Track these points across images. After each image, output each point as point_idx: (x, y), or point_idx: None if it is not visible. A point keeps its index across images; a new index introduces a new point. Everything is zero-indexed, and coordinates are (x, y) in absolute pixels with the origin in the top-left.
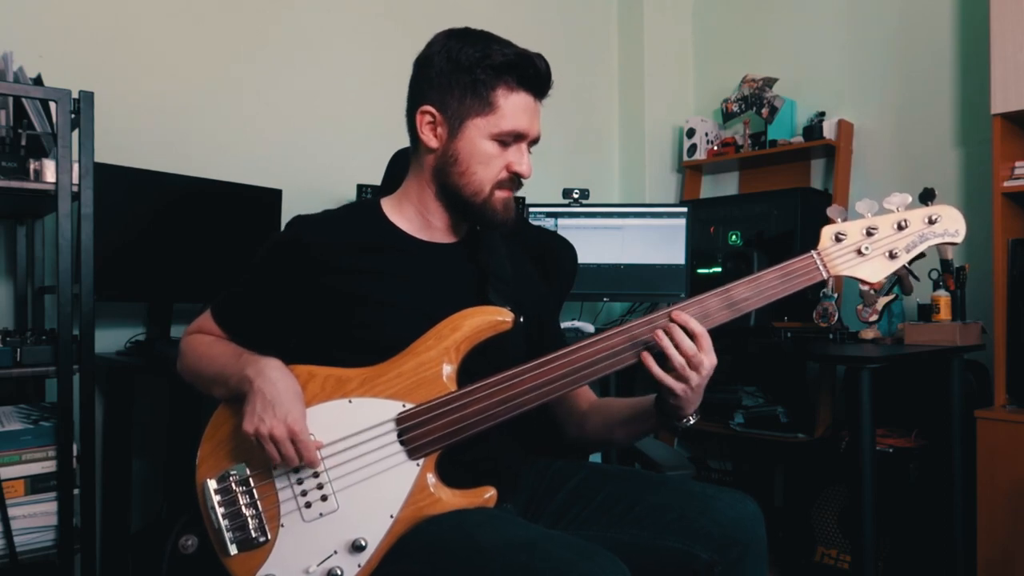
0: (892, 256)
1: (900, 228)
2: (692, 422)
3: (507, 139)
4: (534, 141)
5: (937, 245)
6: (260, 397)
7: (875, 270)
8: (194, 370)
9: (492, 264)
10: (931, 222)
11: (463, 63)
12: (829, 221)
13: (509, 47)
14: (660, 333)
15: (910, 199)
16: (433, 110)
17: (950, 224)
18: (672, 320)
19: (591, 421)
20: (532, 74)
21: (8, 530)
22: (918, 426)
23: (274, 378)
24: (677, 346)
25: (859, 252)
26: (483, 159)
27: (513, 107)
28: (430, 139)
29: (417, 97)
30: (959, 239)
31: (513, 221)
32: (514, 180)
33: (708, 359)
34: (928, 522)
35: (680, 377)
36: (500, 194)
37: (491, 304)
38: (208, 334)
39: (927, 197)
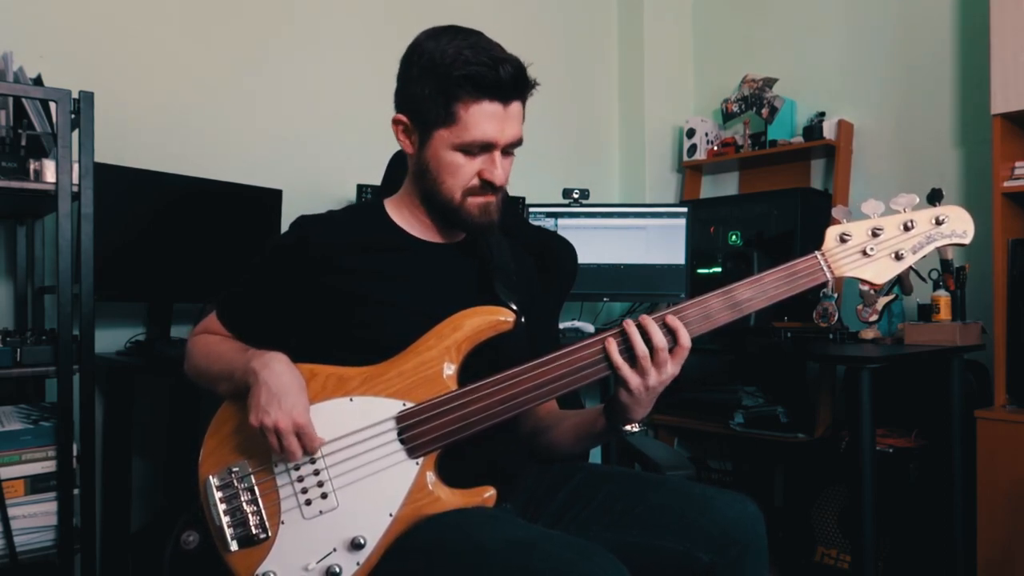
0: (898, 257)
1: (906, 229)
2: (636, 431)
3: (472, 149)
4: (516, 144)
5: (944, 246)
6: (265, 389)
7: (880, 271)
8: (201, 369)
9: (496, 261)
10: (938, 223)
11: (431, 71)
12: (831, 221)
13: (479, 54)
14: (629, 322)
15: (917, 200)
16: (404, 119)
17: (958, 225)
18: (665, 323)
19: (543, 435)
20: (492, 83)
21: (8, 530)
22: (918, 426)
23: (279, 371)
24: (648, 339)
25: (864, 253)
26: (451, 169)
27: (476, 118)
28: (406, 146)
29: (395, 102)
30: (967, 240)
31: (494, 224)
32: (487, 186)
33: (673, 366)
34: (928, 522)
35: (640, 370)
36: (474, 200)
37: (498, 298)
38: (214, 334)
39: (935, 198)
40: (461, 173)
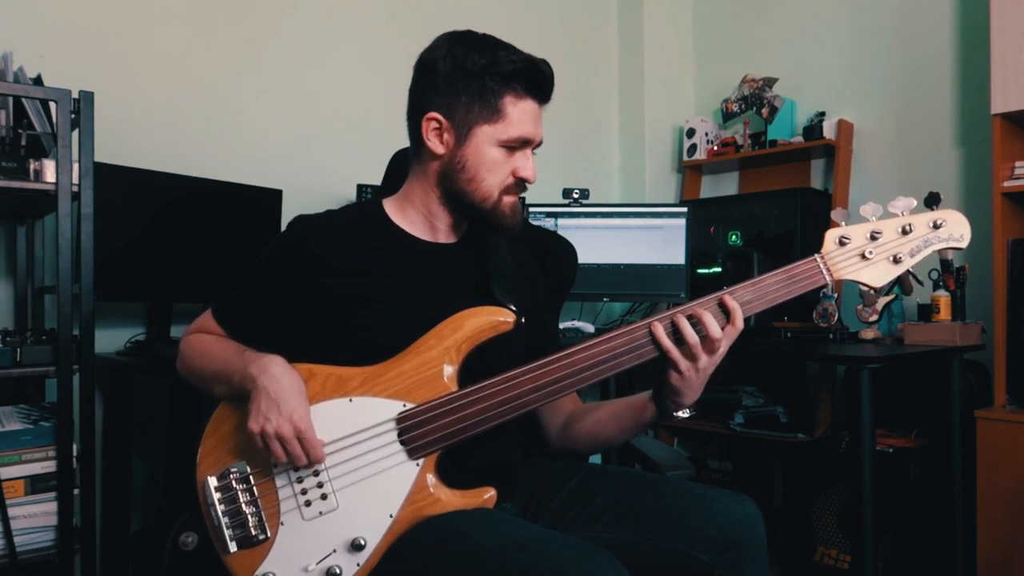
0: (896, 260)
1: (904, 232)
2: (686, 416)
3: (514, 145)
4: (537, 145)
5: (941, 250)
6: (265, 395)
7: (879, 274)
8: (195, 368)
9: (495, 261)
10: (936, 227)
11: (470, 70)
12: (830, 224)
13: (515, 53)
14: (679, 316)
15: (915, 203)
16: (440, 117)
17: (955, 229)
18: (722, 303)
19: (580, 421)
20: (539, 81)
21: (8, 530)
22: (918, 426)
23: (278, 375)
24: (702, 326)
25: (863, 256)
26: (491, 166)
27: (520, 114)
28: (436, 146)
29: (422, 103)
30: (964, 244)
31: (520, 224)
32: (519, 185)
33: (724, 346)
34: (928, 522)
35: (690, 354)
36: (508, 199)
37: (496, 301)
38: (209, 334)
39: (932, 201)
40: (500, 170)
